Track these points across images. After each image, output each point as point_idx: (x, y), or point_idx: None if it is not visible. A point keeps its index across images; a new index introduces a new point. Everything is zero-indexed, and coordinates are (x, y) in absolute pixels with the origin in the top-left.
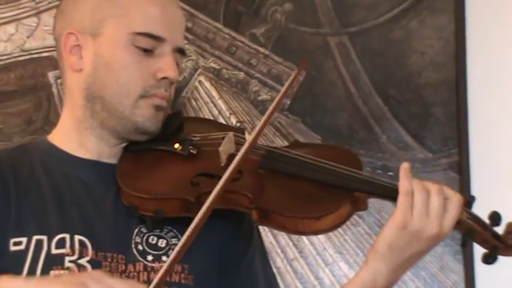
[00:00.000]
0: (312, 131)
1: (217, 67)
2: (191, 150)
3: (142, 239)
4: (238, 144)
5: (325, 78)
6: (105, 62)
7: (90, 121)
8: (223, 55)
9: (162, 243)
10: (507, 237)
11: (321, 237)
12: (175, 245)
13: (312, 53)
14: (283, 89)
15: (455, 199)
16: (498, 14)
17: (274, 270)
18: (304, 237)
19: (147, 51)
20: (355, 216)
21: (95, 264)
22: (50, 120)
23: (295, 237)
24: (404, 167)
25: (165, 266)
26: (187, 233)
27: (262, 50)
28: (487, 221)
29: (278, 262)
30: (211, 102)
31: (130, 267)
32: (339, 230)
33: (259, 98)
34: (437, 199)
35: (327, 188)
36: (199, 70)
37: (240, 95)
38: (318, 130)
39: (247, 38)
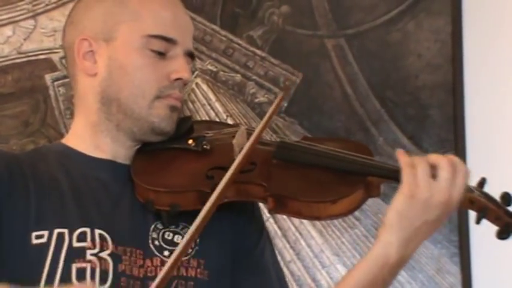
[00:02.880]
0: (309, 133)
1: (214, 69)
2: (204, 146)
3: (158, 234)
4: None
5: (322, 81)
6: (120, 65)
7: (106, 124)
8: (220, 57)
9: (178, 239)
10: None
11: (318, 239)
12: None
13: (309, 55)
14: (266, 117)
15: (463, 170)
16: (495, 16)
17: None
18: (301, 240)
19: (161, 54)
20: (352, 219)
21: (116, 257)
22: (47, 123)
23: (292, 239)
24: (399, 150)
25: (173, 255)
26: (197, 221)
27: (259, 52)
28: (498, 199)
29: None
30: (208, 104)
31: (148, 262)
32: (336, 232)
33: (256, 100)
34: (447, 168)
35: (339, 174)
36: (196, 72)
37: (237, 97)
38: (315, 132)
39: (244, 40)
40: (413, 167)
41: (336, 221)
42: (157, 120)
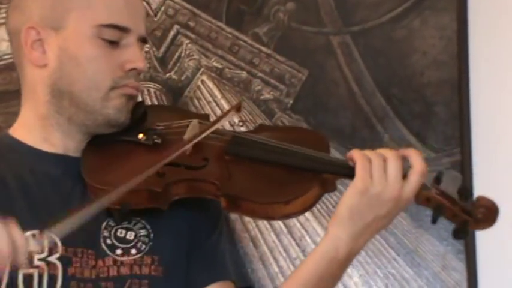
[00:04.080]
0: None
1: (220, 66)
2: (155, 140)
3: (110, 232)
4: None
5: (328, 78)
6: (71, 57)
7: (56, 117)
8: (226, 54)
9: (130, 235)
10: (477, 212)
11: None
12: (144, 236)
13: (315, 52)
14: (215, 123)
15: (417, 168)
16: (500, 13)
17: (277, 269)
18: (307, 237)
19: (113, 43)
20: None
21: (65, 260)
22: None
23: (297, 236)
24: (353, 149)
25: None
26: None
27: (264, 49)
28: (456, 195)
29: (281, 261)
30: (213, 101)
31: (100, 262)
32: None
33: (262, 97)
34: (394, 163)
35: (294, 171)
36: (202, 69)
37: (243, 94)
38: (321, 129)
39: (249, 37)
40: (367, 161)
41: None
42: (112, 111)
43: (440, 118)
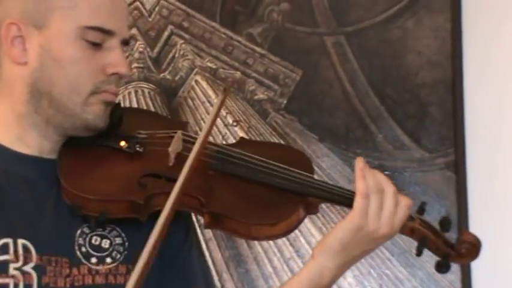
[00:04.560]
0: (308, 131)
1: (214, 67)
2: (137, 149)
3: (85, 240)
4: (186, 142)
5: (322, 78)
6: (53, 57)
7: (34, 117)
8: (220, 55)
9: (105, 243)
10: (461, 247)
11: (318, 237)
12: (119, 245)
13: (309, 53)
14: (208, 123)
15: (405, 202)
16: (494, 13)
17: (271, 269)
18: (301, 237)
19: (96, 45)
20: None
21: (40, 269)
22: None
23: (291, 236)
24: (360, 165)
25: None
26: (146, 249)
27: (258, 49)
28: (437, 227)
29: (275, 261)
30: (207, 101)
31: (75, 270)
32: None
33: (256, 97)
34: (391, 201)
35: (280, 193)
36: (196, 70)
37: (237, 94)
38: (315, 129)
39: (243, 37)
40: (368, 199)
41: (335, 218)
42: (91, 117)
43: (435, 118)
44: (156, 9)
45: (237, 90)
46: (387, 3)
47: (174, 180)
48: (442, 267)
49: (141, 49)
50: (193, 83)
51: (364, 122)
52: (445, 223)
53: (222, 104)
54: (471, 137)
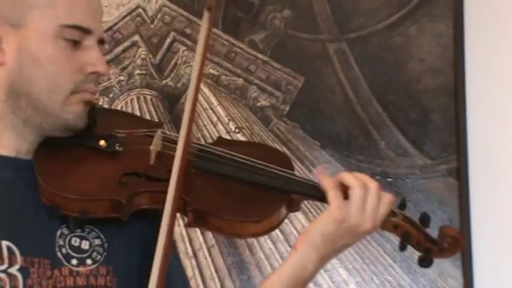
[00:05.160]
0: (310, 137)
1: (216, 73)
2: (117, 147)
3: (65, 241)
4: (165, 141)
5: (324, 85)
6: (32, 57)
7: (11, 118)
8: (222, 61)
9: (85, 245)
10: (442, 241)
11: None
12: (99, 246)
13: (311, 59)
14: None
15: (387, 198)
16: (496, 20)
17: None
18: None
19: (75, 43)
20: None
21: (24, 272)
22: None
23: (294, 243)
24: (317, 168)
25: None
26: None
27: (261, 56)
28: (418, 223)
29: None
30: (210, 108)
31: (56, 272)
32: None
33: (258, 104)
34: (374, 196)
35: (264, 190)
36: None
37: (239, 101)
38: (317, 136)
39: (246, 44)
40: (339, 190)
41: None
42: (72, 117)
43: (437, 125)
44: (159, 16)
45: (240, 97)
46: (389, 10)
47: (155, 179)
48: (424, 262)
49: (143, 56)
50: None
51: (367, 128)
52: (424, 219)
53: (210, 29)
54: (473, 144)
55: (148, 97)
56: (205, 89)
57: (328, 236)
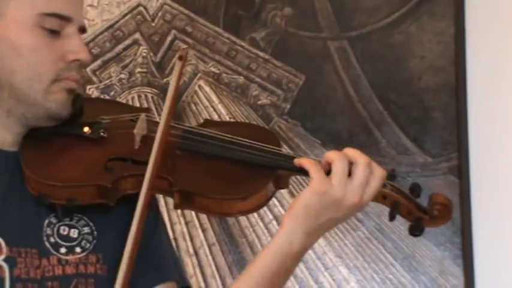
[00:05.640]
0: (311, 135)
1: (217, 71)
2: (102, 134)
3: (53, 230)
4: (151, 125)
5: (325, 83)
6: (12, 47)
7: None
8: (223, 59)
9: (74, 233)
10: (432, 209)
11: (321, 241)
12: (88, 234)
13: (312, 57)
14: (169, 98)
15: (378, 173)
16: (497, 18)
17: None
18: None
19: (54, 33)
20: (354, 221)
21: (11, 261)
22: None
23: None
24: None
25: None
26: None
27: (262, 54)
28: (408, 192)
29: None
30: (211, 106)
31: (45, 261)
32: (339, 234)
33: (259, 102)
34: (362, 171)
35: (250, 167)
36: (199, 74)
37: (240, 99)
38: (318, 134)
39: (247, 42)
40: (315, 164)
41: None
42: (55, 105)
43: (438, 123)
44: (160, 14)
45: (241, 95)
46: (390, 8)
47: (141, 163)
48: (415, 231)
49: (144, 54)
50: (196, 87)
51: (368, 126)
52: (415, 188)
53: (180, 74)
54: (474, 142)
55: (149, 95)
56: (206, 87)
57: (311, 210)
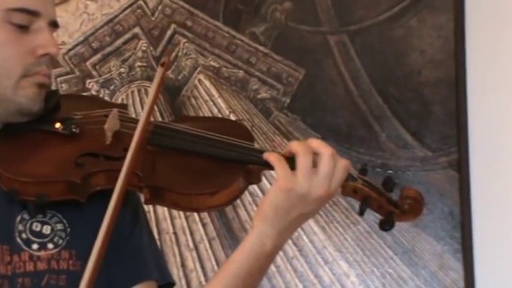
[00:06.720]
0: (311, 130)
1: (217, 65)
2: (73, 129)
3: (25, 226)
4: (123, 120)
5: (325, 77)
6: None
7: None
8: (223, 53)
9: (46, 229)
10: (403, 203)
11: (321, 235)
12: (61, 230)
13: (312, 52)
14: (150, 99)
15: (342, 163)
16: (497, 12)
17: (274, 268)
18: (304, 236)
19: (23, 28)
20: (354, 215)
21: None
22: None
23: (294, 236)
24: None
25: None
26: (100, 235)
27: (261, 48)
28: (380, 187)
29: (278, 260)
30: (210, 100)
31: (16, 257)
32: (339, 228)
33: (259, 96)
34: (327, 163)
35: (219, 162)
36: (199, 68)
37: (240, 93)
38: (318, 128)
39: (246, 36)
40: (279, 160)
41: (338, 217)
42: (24, 100)
43: (438, 117)
44: (159, 8)
45: (240, 89)
46: (390, 2)
47: (113, 158)
48: (385, 225)
49: (144, 48)
50: (196, 82)
51: (367, 121)
52: (388, 182)
53: (162, 80)
54: (474, 136)
55: (149, 89)
56: (206, 81)
57: (280, 208)
